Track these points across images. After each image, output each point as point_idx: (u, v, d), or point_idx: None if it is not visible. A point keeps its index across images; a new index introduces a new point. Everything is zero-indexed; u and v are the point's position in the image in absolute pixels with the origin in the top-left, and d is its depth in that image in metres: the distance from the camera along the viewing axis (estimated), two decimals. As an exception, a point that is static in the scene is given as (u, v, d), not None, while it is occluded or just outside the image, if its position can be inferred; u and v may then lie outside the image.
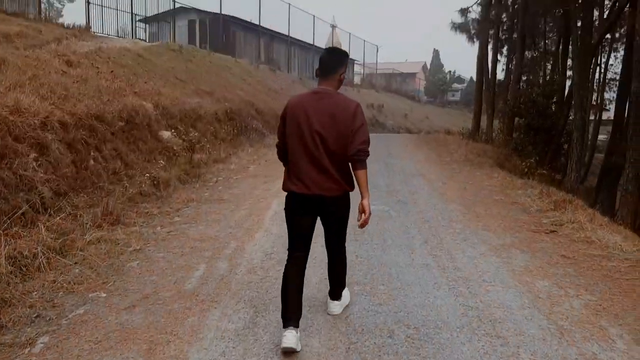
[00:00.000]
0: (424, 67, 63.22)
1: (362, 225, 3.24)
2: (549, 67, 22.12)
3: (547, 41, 22.92)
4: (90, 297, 3.85)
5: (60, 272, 4.24)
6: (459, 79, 62.15)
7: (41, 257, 4.29)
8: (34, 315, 3.50)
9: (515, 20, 19.20)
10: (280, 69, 26.58)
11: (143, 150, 8.69)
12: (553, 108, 18.00)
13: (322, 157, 3.14)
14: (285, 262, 3.32)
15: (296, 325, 3.11)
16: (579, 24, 14.19)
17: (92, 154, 7.01)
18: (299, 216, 3.28)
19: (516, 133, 19.48)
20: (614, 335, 3.34)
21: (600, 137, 26.04)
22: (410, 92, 46.71)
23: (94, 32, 16.18)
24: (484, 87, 20.49)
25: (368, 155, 3.19)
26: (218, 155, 10.34)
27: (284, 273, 3.29)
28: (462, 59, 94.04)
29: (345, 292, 3.76)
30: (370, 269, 4.50)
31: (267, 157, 11.21)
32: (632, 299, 3.94)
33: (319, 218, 3.35)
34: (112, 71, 10.60)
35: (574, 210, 6.23)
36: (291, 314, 3.13)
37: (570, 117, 17.81)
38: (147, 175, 7.50)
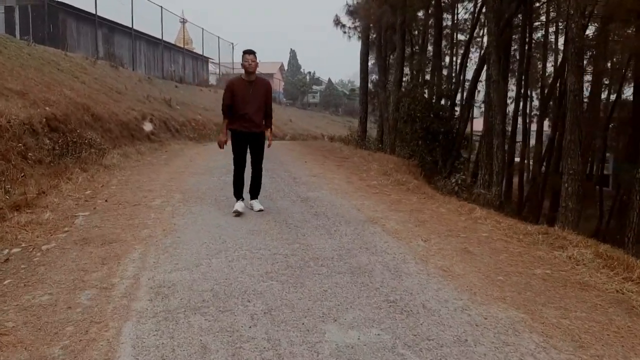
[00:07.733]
0: (282, 67, 60.64)
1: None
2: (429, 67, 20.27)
3: (424, 39, 21.12)
4: None
5: None
6: (317, 81, 60.74)
7: None
8: None
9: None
10: (124, 66, 21.93)
11: None
12: (455, 110, 16.02)
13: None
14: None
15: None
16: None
17: None
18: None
19: (408, 138, 17.18)
20: None
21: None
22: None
23: None
24: (369, 88, 18.03)
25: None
26: (23, 193, 6.20)
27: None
28: (318, 60, 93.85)
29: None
30: None
31: (109, 189, 7.25)
32: None
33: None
34: None
35: None
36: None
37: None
38: None
